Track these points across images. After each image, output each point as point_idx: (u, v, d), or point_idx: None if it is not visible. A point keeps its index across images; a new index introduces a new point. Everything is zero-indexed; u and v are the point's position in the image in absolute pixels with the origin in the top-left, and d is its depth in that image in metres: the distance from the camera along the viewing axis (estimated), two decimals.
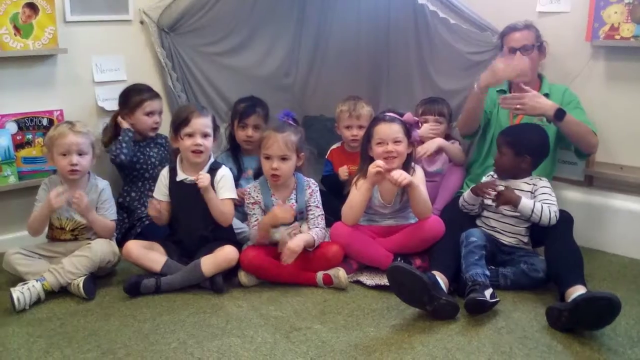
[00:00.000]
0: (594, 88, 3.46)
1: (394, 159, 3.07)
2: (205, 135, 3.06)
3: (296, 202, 3.10)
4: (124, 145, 3.44)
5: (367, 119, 3.56)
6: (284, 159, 3.04)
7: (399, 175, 2.96)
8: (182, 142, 3.05)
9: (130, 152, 3.47)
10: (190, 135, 3.03)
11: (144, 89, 3.61)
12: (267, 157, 3.05)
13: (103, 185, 3.14)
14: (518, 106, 3.14)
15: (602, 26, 3.33)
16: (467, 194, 3.13)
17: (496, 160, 3.12)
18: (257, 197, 3.11)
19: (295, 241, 2.95)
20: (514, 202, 2.97)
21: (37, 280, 2.83)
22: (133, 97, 3.57)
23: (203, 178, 2.97)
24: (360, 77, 4.50)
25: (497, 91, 3.41)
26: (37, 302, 2.82)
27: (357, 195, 3.08)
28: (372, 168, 2.99)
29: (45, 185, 3.09)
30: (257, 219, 3.08)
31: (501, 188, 3.03)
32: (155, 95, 3.63)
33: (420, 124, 3.27)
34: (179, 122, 3.06)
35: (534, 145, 3.09)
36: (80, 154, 3.02)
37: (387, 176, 2.98)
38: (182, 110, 3.18)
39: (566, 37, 3.50)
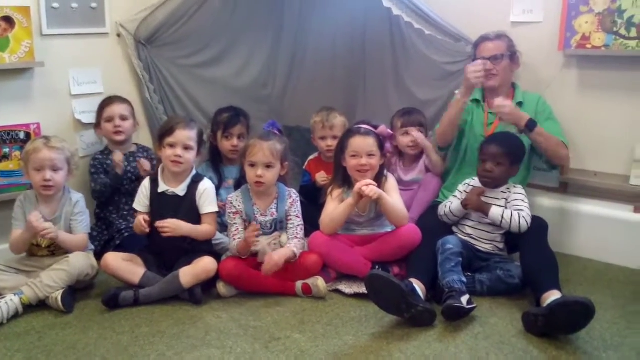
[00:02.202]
0: (567, 96, 3.52)
1: (367, 172, 3.11)
2: (186, 148, 3.07)
3: (277, 211, 3.11)
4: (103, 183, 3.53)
5: (340, 129, 3.58)
6: (268, 166, 3.04)
7: (370, 190, 3.00)
8: (163, 151, 3.07)
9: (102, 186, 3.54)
10: (172, 145, 3.05)
11: (105, 99, 3.65)
12: (252, 165, 3.05)
13: (77, 197, 3.13)
14: (497, 107, 3.17)
15: (573, 35, 3.40)
16: (455, 206, 3.12)
17: (488, 170, 3.05)
18: (238, 206, 3.11)
19: (278, 255, 2.96)
20: (484, 211, 3.02)
21: (15, 294, 2.81)
22: (97, 112, 3.63)
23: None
24: (337, 88, 4.53)
25: (471, 101, 3.45)
26: (15, 315, 2.80)
27: (338, 209, 3.11)
28: (357, 190, 3.02)
29: (20, 202, 3.07)
30: (238, 229, 3.08)
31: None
32: (112, 101, 3.63)
33: (394, 138, 3.31)
34: (164, 132, 3.08)
35: (523, 155, 3.16)
36: (54, 170, 3.00)
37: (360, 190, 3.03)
38: (169, 120, 3.26)
39: (539, 46, 3.55)
